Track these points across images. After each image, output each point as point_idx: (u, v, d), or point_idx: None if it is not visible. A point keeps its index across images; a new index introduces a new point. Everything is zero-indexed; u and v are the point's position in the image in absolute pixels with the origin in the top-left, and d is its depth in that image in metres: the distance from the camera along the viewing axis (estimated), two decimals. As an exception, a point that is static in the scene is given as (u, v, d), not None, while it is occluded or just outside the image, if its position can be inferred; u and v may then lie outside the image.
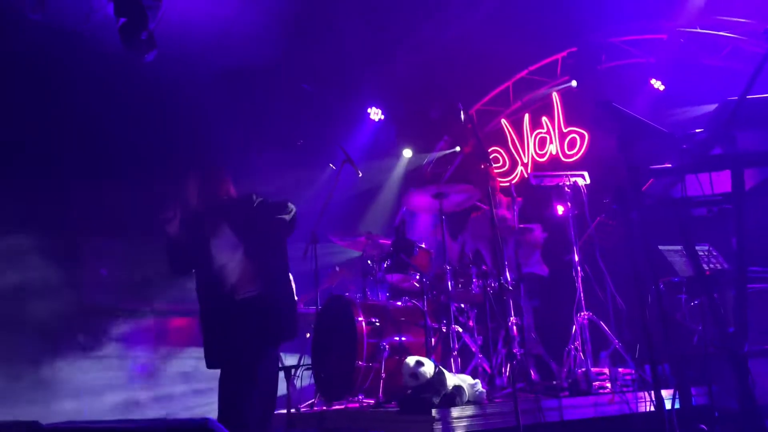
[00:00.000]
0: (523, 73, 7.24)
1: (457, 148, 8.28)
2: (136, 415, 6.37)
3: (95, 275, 6.73)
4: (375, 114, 8.30)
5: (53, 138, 6.72)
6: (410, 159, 8.60)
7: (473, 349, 4.79)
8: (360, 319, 4.71)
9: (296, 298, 4.35)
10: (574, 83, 6.88)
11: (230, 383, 3.78)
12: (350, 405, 4.62)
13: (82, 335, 6.64)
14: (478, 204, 5.04)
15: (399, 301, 5.24)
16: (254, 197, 4.04)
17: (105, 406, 6.34)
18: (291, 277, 4.20)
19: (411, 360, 3.77)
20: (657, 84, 6.34)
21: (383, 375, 4.56)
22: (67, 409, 6.12)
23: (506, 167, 7.32)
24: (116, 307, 6.87)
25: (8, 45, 6.25)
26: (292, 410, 4.62)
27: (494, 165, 6.07)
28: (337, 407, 4.63)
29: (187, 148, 7.29)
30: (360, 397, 4.61)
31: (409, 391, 3.75)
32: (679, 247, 4.77)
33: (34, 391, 6.11)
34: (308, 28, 7.10)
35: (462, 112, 4.66)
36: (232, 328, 3.78)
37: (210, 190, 4.01)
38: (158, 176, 7.13)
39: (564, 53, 6.88)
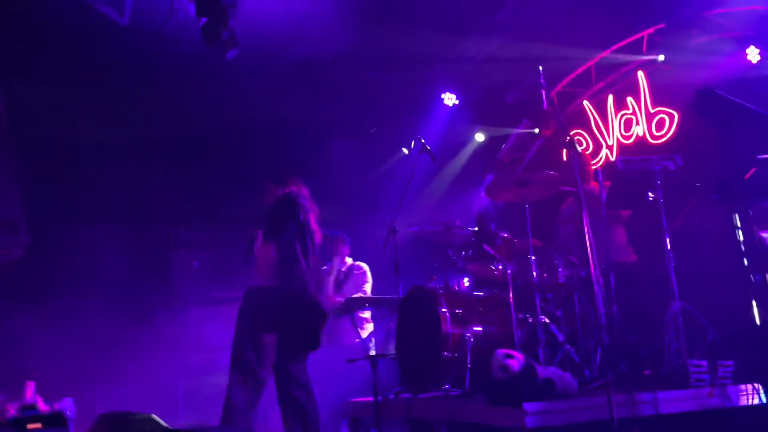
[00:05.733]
0: (606, 53, 6.95)
1: (536, 130, 8.07)
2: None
3: (187, 266, 7.03)
4: (449, 99, 8.23)
5: (144, 135, 7.05)
6: (486, 143, 8.48)
7: (560, 340, 4.70)
8: (444, 310, 4.71)
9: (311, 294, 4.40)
10: (661, 58, 6.54)
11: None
12: (436, 395, 4.64)
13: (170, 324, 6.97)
14: (567, 189, 4.90)
15: (482, 291, 5.21)
16: (281, 197, 4.45)
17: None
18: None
19: (500, 353, 3.75)
20: (752, 55, 5.95)
21: (469, 365, 4.56)
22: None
23: (590, 150, 7.09)
24: (206, 295, 7.15)
25: (101, 51, 6.61)
26: (379, 398, 4.69)
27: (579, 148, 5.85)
28: (423, 396, 4.67)
29: (265, 139, 7.48)
30: (446, 387, 4.62)
31: (499, 384, 3.74)
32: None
33: (124, 376, 6.46)
34: (380, 16, 7.09)
35: (544, 96, 4.55)
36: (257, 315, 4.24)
37: (270, 195, 4.47)
38: (241, 168, 7.39)
39: (651, 30, 6.56)
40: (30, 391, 5.47)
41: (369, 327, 6.35)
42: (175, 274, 7.05)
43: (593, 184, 5.26)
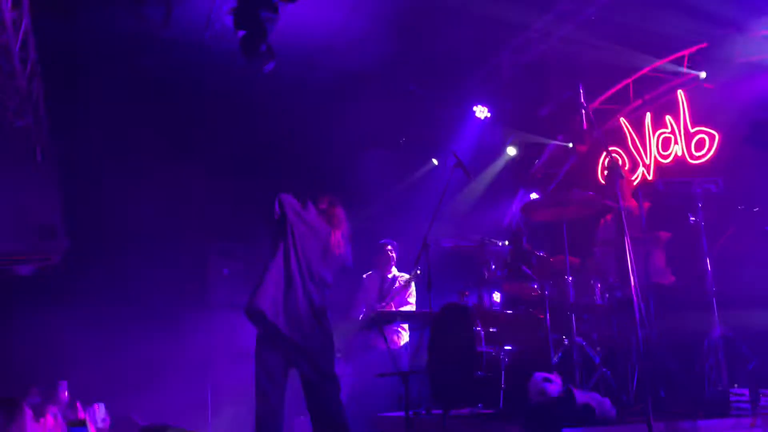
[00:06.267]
0: (645, 71, 6.85)
1: (570, 145, 7.97)
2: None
3: (220, 274, 7.09)
4: (481, 112, 8.19)
5: (181, 144, 7.15)
6: (518, 158, 8.41)
7: (596, 362, 4.64)
8: (479, 329, 4.68)
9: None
10: (703, 75, 6.41)
11: None
12: (469, 411, 4.61)
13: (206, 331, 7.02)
14: (608, 203, 4.83)
15: (514, 309, 5.16)
16: None
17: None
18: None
19: (539, 376, 3.71)
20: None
21: (503, 385, 4.53)
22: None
23: (627, 168, 6.99)
24: (237, 302, 7.19)
25: (141, 60, 6.73)
26: (410, 413, 4.66)
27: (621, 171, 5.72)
28: (455, 413, 4.64)
29: (298, 149, 7.53)
30: (479, 406, 4.59)
31: (537, 408, 3.70)
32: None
33: (156, 381, 6.52)
34: (414, 30, 7.11)
35: (584, 115, 4.51)
36: None
37: None
38: (272, 178, 7.44)
39: (692, 49, 6.45)
40: (63, 390, 5.57)
41: (405, 336, 6.33)
42: (208, 282, 7.11)
43: (633, 204, 5.19)
